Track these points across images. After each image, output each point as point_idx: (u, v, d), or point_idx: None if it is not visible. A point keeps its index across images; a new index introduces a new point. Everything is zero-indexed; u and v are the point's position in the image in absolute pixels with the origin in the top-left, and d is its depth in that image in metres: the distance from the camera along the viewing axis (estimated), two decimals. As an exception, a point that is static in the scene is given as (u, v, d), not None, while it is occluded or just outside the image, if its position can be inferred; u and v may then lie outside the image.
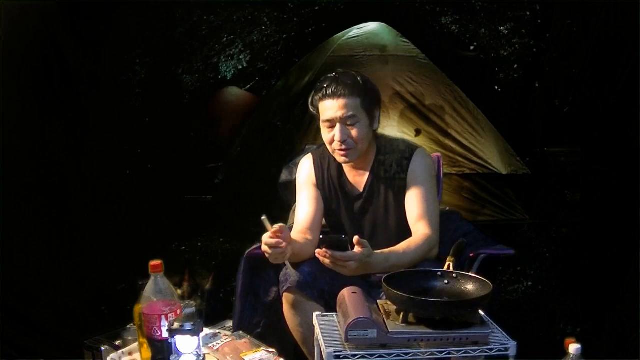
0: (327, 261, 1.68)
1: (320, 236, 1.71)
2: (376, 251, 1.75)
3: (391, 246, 1.86)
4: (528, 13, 2.86)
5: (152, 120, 3.00)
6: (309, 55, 3.06)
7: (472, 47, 2.93)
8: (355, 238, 1.67)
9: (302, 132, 3.03)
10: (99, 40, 2.83)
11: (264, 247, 1.69)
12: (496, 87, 2.93)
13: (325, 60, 3.02)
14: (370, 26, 3.07)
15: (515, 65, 2.89)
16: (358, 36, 3.06)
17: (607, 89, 2.69)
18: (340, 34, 3.06)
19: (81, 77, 2.84)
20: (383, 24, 3.04)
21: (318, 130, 2.97)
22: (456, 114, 2.98)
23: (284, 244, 1.66)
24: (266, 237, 1.68)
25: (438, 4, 2.91)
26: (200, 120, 3.06)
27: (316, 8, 2.98)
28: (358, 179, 2.05)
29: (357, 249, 1.67)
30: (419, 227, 1.92)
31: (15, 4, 2.57)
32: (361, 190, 2.04)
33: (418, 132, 2.97)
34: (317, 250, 1.69)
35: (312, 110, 2.02)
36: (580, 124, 2.80)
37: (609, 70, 2.68)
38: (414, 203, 1.95)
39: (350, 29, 3.06)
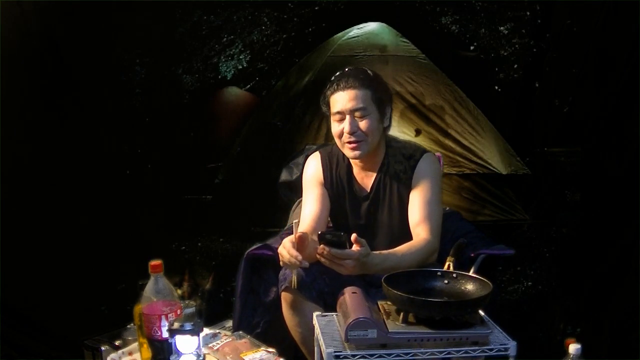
0: (323, 259, 1.68)
1: (319, 232, 1.69)
2: (374, 252, 1.74)
3: (393, 248, 1.86)
4: (528, 13, 2.84)
5: (152, 120, 3.00)
6: (309, 55, 3.06)
7: (472, 47, 2.92)
8: (353, 236, 1.65)
9: (302, 132, 3.03)
10: (99, 40, 2.83)
11: (283, 253, 1.69)
12: (496, 87, 2.92)
13: (325, 60, 3.02)
14: (370, 26, 3.06)
15: (515, 65, 2.88)
16: (358, 36, 3.06)
17: (607, 89, 2.70)
18: (340, 34, 3.06)
19: (81, 77, 2.84)
20: (383, 24, 3.04)
21: (318, 130, 3.01)
22: (456, 114, 2.98)
23: (300, 258, 1.66)
24: (289, 246, 1.67)
25: (438, 4, 2.90)
26: (200, 120, 3.05)
27: (316, 8, 2.97)
28: (366, 179, 2.05)
29: (355, 247, 1.67)
30: (420, 231, 1.90)
31: (15, 4, 2.57)
32: (368, 190, 2.03)
33: (418, 132, 2.97)
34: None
35: (323, 109, 2.02)
36: (580, 124, 2.80)
37: (609, 70, 2.68)
38: (416, 206, 1.94)
39: (350, 29, 3.06)
